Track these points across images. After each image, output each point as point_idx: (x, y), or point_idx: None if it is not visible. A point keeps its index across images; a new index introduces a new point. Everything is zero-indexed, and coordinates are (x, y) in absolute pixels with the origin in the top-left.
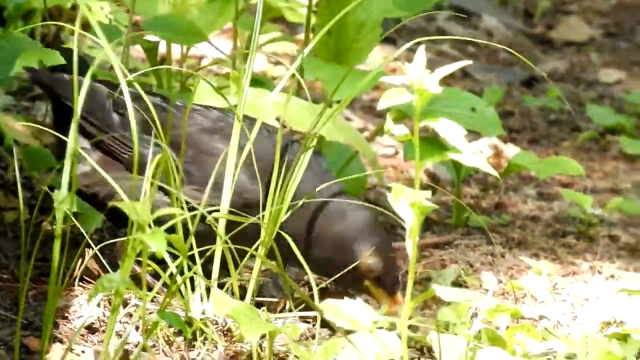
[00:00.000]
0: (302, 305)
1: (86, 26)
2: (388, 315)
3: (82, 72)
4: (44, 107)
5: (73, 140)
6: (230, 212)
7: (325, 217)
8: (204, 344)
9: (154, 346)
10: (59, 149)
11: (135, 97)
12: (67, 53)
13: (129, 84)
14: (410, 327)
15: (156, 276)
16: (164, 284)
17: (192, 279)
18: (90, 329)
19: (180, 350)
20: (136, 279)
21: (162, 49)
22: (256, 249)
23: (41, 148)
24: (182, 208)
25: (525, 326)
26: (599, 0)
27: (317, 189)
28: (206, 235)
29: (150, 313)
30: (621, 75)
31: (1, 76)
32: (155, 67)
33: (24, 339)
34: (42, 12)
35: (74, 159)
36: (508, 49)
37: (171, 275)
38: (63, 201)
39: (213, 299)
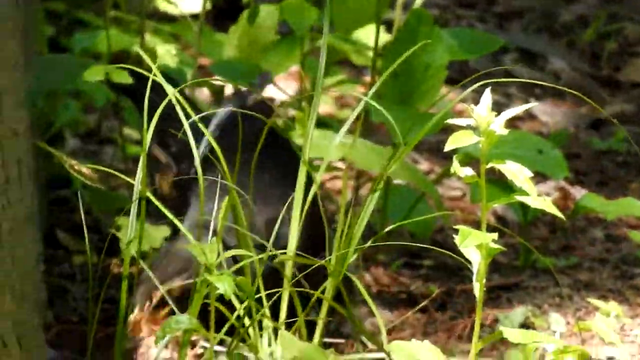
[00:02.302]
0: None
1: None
2: None
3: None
4: (111, 150)
5: (142, 181)
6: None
7: None
8: None
9: None
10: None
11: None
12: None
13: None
14: None
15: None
16: (231, 325)
17: (259, 320)
18: None
19: None
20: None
21: (228, 91)
22: (323, 290)
23: (108, 191)
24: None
25: None
26: None
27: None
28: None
29: (217, 355)
30: None
31: (67, 86)
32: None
33: None
34: (107, 56)
35: (142, 202)
36: (574, 92)
37: (238, 317)
38: (130, 243)
39: (280, 341)
